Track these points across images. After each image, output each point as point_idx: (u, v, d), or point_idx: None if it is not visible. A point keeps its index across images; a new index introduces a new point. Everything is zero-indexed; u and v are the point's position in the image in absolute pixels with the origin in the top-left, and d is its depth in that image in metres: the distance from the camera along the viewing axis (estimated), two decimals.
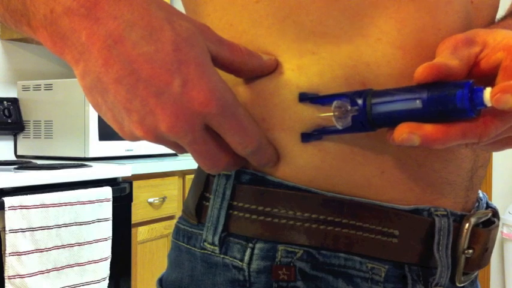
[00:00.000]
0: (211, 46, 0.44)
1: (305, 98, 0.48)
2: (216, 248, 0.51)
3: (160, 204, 2.39)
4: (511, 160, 3.11)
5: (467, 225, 0.51)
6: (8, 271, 1.71)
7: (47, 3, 0.42)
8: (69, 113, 2.39)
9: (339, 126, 0.45)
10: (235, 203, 0.50)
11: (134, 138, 0.45)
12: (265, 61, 0.48)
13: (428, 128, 0.42)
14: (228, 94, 0.43)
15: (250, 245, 0.49)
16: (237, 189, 0.50)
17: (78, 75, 0.43)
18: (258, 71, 0.48)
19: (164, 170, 2.41)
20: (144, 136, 0.44)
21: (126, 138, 0.45)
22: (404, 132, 0.42)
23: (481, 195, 0.58)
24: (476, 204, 0.56)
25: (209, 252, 0.51)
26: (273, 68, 0.49)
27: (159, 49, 0.41)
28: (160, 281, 0.57)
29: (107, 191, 2.01)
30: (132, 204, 2.20)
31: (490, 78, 0.45)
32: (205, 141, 0.44)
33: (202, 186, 0.53)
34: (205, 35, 0.44)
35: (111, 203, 2.02)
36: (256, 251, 0.49)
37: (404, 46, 0.48)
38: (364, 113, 0.44)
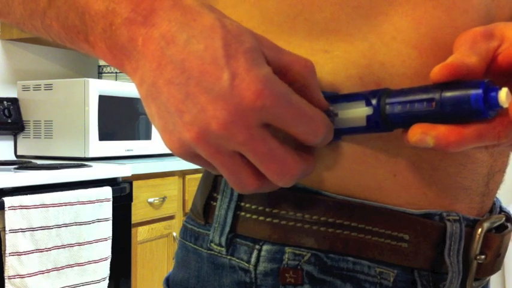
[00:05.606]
0: (267, 51, 0.42)
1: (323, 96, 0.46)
2: (223, 249, 0.50)
3: (160, 204, 2.39)
4: (511, 160, 3.10)
5: (479, 230, 0.50)
6: (8, 271, 1.71)
7: (106, 17, 0.42)
8: (69, 113, 2.38)
9: None
10: (243, 203, 0.50)
11: (182, 145, 0.42)
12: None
13: (442, 129, 0.40)
14: (280, 84, 0.40)
15: (257, 246, 0.49)
16: None
17: (137, 85, 0.43)
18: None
19: (164, 170, 2.40)
20: (194, 138, 0.41)
21: (173, 148, 0.42)
22: (417, 132, 0.41)
23: (494, 198, 0.56)
24: (489, 208, 0.55)
25: (216, 253, 0.51)
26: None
27: (208, 46, 0.40)
28: (167, 281, 0.56)
29: (107, 191, 2.01)
30: (132, 204, 2.20)
31: (508, 74, 0.44)
32: (265, 139, 0.40)
33: (210, 185, 0.52)
34: (262, 41, 0.42)
35: (111, 203, 2.02)
36: (263, 253, 0.48)
37: (420, 45, 0.46)
38: (378, 113, 0.43)
